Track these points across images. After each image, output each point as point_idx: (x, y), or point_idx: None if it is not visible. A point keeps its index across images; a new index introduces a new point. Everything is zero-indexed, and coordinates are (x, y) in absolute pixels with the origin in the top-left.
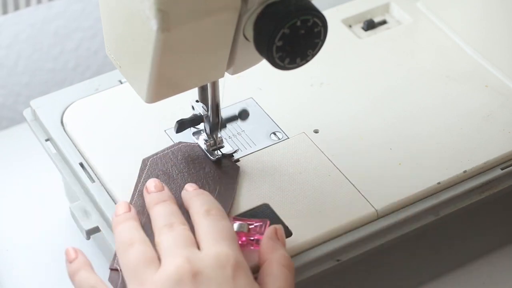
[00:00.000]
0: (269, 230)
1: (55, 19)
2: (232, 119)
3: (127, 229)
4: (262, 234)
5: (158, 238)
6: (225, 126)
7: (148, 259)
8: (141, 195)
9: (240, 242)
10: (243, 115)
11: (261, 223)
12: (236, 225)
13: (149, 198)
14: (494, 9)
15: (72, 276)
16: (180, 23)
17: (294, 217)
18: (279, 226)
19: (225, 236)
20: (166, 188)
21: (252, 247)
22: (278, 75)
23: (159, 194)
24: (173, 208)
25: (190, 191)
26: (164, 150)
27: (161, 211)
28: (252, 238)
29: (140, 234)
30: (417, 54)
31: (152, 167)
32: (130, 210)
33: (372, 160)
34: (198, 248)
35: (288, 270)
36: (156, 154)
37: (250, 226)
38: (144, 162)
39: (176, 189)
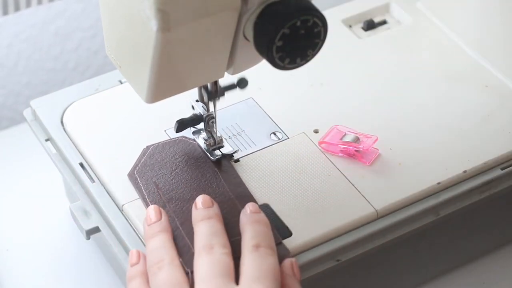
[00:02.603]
0: (286, 265)
1: (55, 19)
2: (230, 87)
3: (157, 247)
4: (368, 147)
5: (196, 261)
6: (223, 95)
7: (175, 284)
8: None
9: (347, 152)
10: (242, 83)
11: (370, 138)
12: (348, 137)
13: (195, 213)
14: (494, 9)
15: (127, 281)
16: (180, 23)
17: (294, 217)
18: (294, 260)
19: (267, 276)
20: (215, 205)
21: (356, 159)
22: (278, 75)
23: (206, 211)
24: (217, 227)
25: (248, 213)
26: (166, 141)
27: (204, 229)
28: (357, 149)
29: (169, 253)
30: (417, 54)
31: (150, 155)
32: (161, 216)
33: (372, 160)
34: (237, 282)
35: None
36: (158, 143)
37: (361, 140)
38: (145, 150)
39: (173, 178)
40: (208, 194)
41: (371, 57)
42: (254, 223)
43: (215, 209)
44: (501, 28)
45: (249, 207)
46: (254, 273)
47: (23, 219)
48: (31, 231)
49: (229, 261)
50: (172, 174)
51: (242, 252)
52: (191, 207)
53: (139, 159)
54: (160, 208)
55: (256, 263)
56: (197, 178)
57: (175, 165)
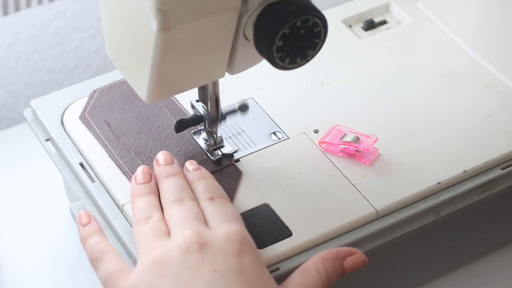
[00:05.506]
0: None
1: (55, 19)
2: (231, 112)
3: (147, 205)
4: (368, 147)
5: (167, 212)
6: (225, 119)
7: (160, 232)
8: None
9: (347, 152)
10: (243, 108)
11: (371, 138)
12: (348, 137)
13: (159, 170)
14: (494, 9)
15: (83, 240)
16: (180, 23)
17: (294, 217)
18: None
19: (233, 218)
20: (176, 162)
21: (356, 159)
22: (278, 75)
23: (170, 167)
24: (183, 182)
25: (191, 171)
26: (111, 84)
27: (171, 184)
28: (357, 149)
29: (157, 212)
30: (417, 54)
31: (98, 97)
32: (150, 179)
33: (372, 160)
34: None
35: (321, 278)
36: (104, 86)
37: (362, 140)
38: (92, 94)
39: (122, 116)
40: (156, 126)
41: (371, 57)
42: (200, 180)
43: (177, 166)
44: (501, 28)
45: (190, 166)
46: (221, 218)
47: (23, 219)
48: (31, 231)
49: (200, 211)
50: (121, 112)
51: (200, 205)
52: (143, 140)
53: (87, 103)
54: (150, 170)
55: (218, 210)
56: (145, 113)
57: (122, 104)
